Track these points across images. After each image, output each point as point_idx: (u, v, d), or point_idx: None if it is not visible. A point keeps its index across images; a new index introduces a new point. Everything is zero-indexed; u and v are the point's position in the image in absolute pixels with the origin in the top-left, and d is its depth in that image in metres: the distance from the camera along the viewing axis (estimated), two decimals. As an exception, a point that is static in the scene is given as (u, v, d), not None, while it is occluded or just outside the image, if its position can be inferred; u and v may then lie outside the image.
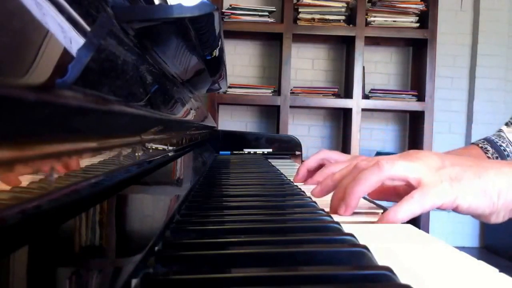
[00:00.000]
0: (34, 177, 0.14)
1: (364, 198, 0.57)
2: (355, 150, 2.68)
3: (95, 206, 0.22)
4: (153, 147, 0.36)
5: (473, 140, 1.17)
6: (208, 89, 1.24)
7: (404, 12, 2.72)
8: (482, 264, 0.31)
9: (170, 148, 0.45)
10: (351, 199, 0.47)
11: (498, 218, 0.46)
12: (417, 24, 2.72)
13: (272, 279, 0.25)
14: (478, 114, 2.96)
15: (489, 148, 0.90)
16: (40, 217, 0.16)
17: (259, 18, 2.69)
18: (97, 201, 0.22)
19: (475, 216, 0.47)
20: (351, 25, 2.71)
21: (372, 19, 2.70)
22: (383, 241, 0.37)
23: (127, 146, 0.27)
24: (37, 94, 0.15)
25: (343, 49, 2.99)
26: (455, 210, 0.46)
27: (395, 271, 0.26)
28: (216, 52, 0.71)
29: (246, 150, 1.43)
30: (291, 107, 2.71)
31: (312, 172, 0.75)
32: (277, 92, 2.76)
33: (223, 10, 2.69)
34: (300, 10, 2.69)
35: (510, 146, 0.90)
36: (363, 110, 2.74)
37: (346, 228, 0.37)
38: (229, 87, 2.66)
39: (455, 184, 0.45)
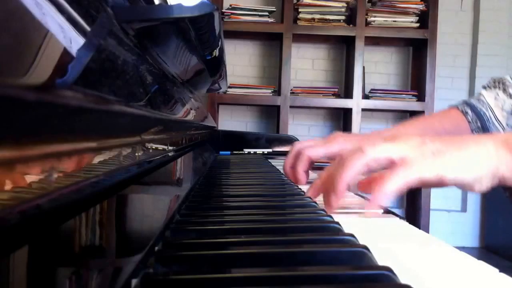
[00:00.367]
0: (34, 177, 0.14)
1: (362, 196, 0.57)
2: (355, 150, 2.68)
3: (95, 206, 0.22)
4: (153, 147, 0.36)
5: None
6: (208, 89, 1.24)
7: (404, 12, 2.72)
8: (482, 264, 0.31)
9: (170, 148, 0.45)
10: (339, 185, 0.48)
11: (481, 186, 0.48)
12: (417, 24, 2.72)
13: (272, 279, 0.25)
14: (478, 114, 2.96)
15: (469, 111, 0.91)
16: (40, 217, 0.16)
17: (259, 18, 2.69)
18: (97, 201, 0.22)
19: (460, 186, 0.48)
20: (351, 25, 2.71)
21: (372, 19, 2.70)
22: (383, 241, 0.37)
23: (127, 146, 0.27)
24: (37, 94, 0.15)
25: (343, 49, 2.99)
26: (441, 183, 0.47)
27: (395, 271, 0.26)
28: (216, 52, 0.71)
29: (246, 150, 1.43)
30: (291, 107, 2.71)
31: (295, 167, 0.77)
32: (277, 92, 2.76)
33: (223, 10, 2.68)
34: (300, 10, 2.69)
35: (489, 110, 0.90)
36: (363, 110, 2.74)
37: (345, 225, 0.37)
38: (229, 87, 2.66)
39: (438, 158, 0.46)
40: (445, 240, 0.37)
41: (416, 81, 2.89)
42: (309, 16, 2.69)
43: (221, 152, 1.41)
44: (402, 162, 0.47)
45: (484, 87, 0.97)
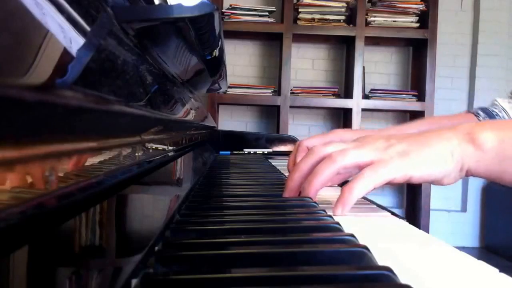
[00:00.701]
0: (34, 177, 0.14)
1: (364, 198, 0.57)
2: (355, 150, 2.68)
3: (95, 206, 0.22)
4: (153, 147, 0.36)
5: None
6: (208, 89, 1.24)
7: (404, 12, 2.72)
8: (482, 264, 0.31)
9: (170, 148, 0.45)
10: (310, 193, 0.51)
11: (449, 179, 0.50)
12: (417, 24, 2.72)
13: (272, 279, 0.25)
14: (478, 114, 2.96)
15: (480, 112, 0.93)
16: (40, 217, 0.16)
17: (259, 18, 2.69)
18: (97, 201, 0.22)
19: (428, 182, 0.50)
20: (351, 25, 2.71)
21: (372, 19, 2.70)
22: (383, 241, 0.37)
23: (127, 146, 0.27)
24: (37, 94, 0.15)
25: (343, 49, 2.99)
26: (409, 181, 0.49)
27: (395, 271, 0.26)
28: (216, 52, 0.71)
29: (246, 150, 1.43)
30: (291, 107, 2.71)
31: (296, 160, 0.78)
32: (277, 92, 2.76)
33: (223, 10, 2.68)
34: (300, 10, 2.69)
35: (503, 112, 0.92)
36: (363, 110, 2.74)
37: (345, 225, 0.37)
38: (229, 87, 2.66)
39: (405, 158, 0.48)
40: (445, 240, 0.37)
41: (416, 81, 2.89)
42: (309, 16, 2.69)
43: (221, 152, 1.41)
44: (369, 165, 0.49)
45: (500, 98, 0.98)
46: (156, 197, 0.38)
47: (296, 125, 2.98)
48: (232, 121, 2.99)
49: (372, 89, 2.83)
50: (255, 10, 2.70)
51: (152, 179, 0.37)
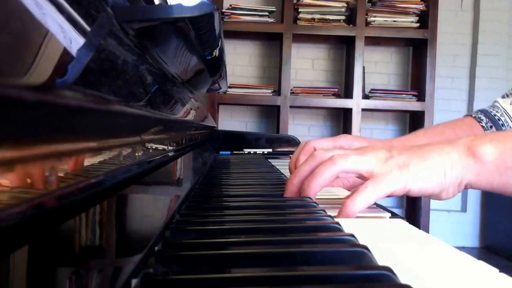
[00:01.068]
0: (34, 177, 0.14)
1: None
2: (355, 150, 2.68)
3: (95, 206, 0.22)
4: (153, 147, 0.36)
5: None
6: (208, 89, 1.24)
7: (404, 12, 2.72)
8: (482, 264, 0.31)
9: (170, 148, 0.45)
10: (308, 193, 0.52)
11: (448, 194, 0.50)
12: (417, 24, 2.72)
13: (272, 279, 0.25)
14: (478, 114, 2.96)
15: (482, 117, 0.91)
16: (40, 217, 0.16)
17: (259, 18, 2.69)
18: (97, 201, 0.22)
19: (426, 196, 0.51)
20: (351, 25, 2.71)
21: (372, 19, 2.70)
22: (383, 241, 0.37)
23: (127, 146, 0.27)
24: (37, 94, 0.15)
25: (343, 49, 2.99)
26: (408, 193, 0.49)
27: (395, 271, 0.26)
28: (216, 52, 0.71)
29: (246, 150, 1.43)
30: (291, 107, 2.71)
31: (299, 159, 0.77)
32: (277, 92, 2.76)
33: (223, 10, 2.69)
34: (300, 10, 2.69)
35: (505, 115, 0.90)
36: (363, 110, 2.74)
37: (345, 225, 0.37)
38: (229, 87, 2.66)
39: (404, 170, 0.49)
40: (445, 240, 0.37)
41: (416, 81, 2.89)
42: (309, 16, 2.70)
43: (221, 152, 1.41)
44: (369, 175, 0.50)
45: (503, 96, 0.96)
46: (156, 197, 0.38)
47: (296, 125, 2.98)
48: (232, 121, 2.99)
49: (372, 89, 2.83)
50: (255, 10, 2.71)
51: (152, 179, 0.37)
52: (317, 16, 2.70)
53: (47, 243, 0.17)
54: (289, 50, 2.70)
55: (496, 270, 0.29)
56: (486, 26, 2.97)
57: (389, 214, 0.50)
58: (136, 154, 0.29)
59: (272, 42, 2.94)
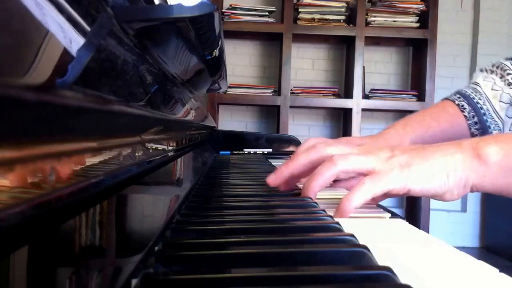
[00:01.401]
0: (34, 177, 0.14)
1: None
2: (355, 150, 2.68)
3: (95, 206, 0.22)
4: (153, 147, 0.36)
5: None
6: (208, 89, 1.24)
7: (404, 12, 2.72)
8: (482, 264, 0.31)
9: (170, 148, 0.45)
10: (308, 193, 0.52)
11: (452, 196, 0.50)
12: (417, 24, 2.72)
13: (272, 279, 0.25)
14: (478, 114, 2.96)
15: (466, 105, 0.87)
16: (40, 217, 0.16)
17: (259, 18, 2.69)
18: (97, 201, 0.22)
19: (429, 196, 0.50)
20: (351, 25, 2.71)
21: (372, 19, 2.70)
22: (383, 241, 0.37)
23: (127, 146, 0.27)
24: (37, 94, 0.15)
25: (343, 49, 2.99)
26: (409, 193, 0.49)
27: (395, 271, 0.26)
28: (216, 52, 0.71)
29: (246, 150, 1.43)
30: (291, 107, 2.71)
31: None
32: (277, 92, 2.76)
33: (223, 10, 2.68)
34: (300, 10, 2.69)
35: (487, 103, 0.87)
36: (363, 110, 2.74)
37: (345, 225, 0.37)
38: (229, 87, 2.66)
39: (405, 170, 0.48)
40: (445, 240, 0.37)
41: (416, 81, 2.89)
42: (309, 16, 2.69)
43: (221, 152, 1.41)
44: (369, 174, 0.49)
45: (481, 70, 0.92)
46: (156, 197, 0.38)
47: (296, 125, 2.98)
48: (232, 121, 2.99)
49: (372, 89, 2.83)
50: (255, 10, 2.71)
51: (152, 179, 0.37)
52: (317, 16, 2.70)
53: (47, 243, 0.17)
54: (289, 50, 2.70)
55: (496, 270, 0.29)
56: (486, 26, 2.97)
57: (389, 214, 0.50)
58: (136, 154, 0.29)
59: (272, 42, 2.94)
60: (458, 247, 0.35)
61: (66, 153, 0.17)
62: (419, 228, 0.42)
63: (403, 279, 0.25)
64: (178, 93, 0.60)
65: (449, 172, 0.48)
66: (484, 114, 0.86)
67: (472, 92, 0.89)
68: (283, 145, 1.47)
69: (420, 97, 2.76)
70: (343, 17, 2.72)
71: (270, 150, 1.44)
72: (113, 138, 0.24)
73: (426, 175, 0.48)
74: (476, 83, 0.91)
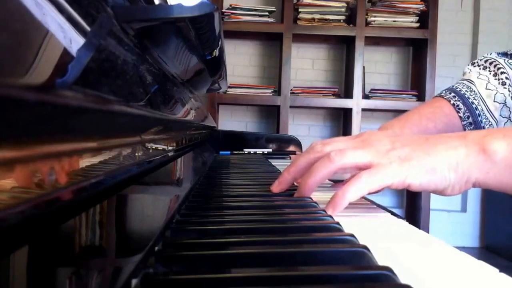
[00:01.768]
0: (34, 177, 0.14)
1: (364, 197, 0.57)
2: (355, 150, 2.68)
3: (95, 206, 0.22)
4: (153, 147, 0.36)
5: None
6: (208, 89, 1.24)
7: (404, 12, 2.72)
8: (482, 264, 0.31)
9: (170, 148, 0.45)
10: (304, 191, 0.51)
11: (453, 191, 0.48)
12: (417, 24, 2.72)
13: (272, 279, 0.25)
14: (478, 114, 2.96)
15: (461, 106, 0.86)
16: (40, 217, 0.16)
17: (259, 18, 2.69)
18: (97, 201, 0.22)
19: (429, 191, 0.48)
20: (351, 25, 2.71)
21: (372, 19, 2.70)
22: (383, 241, 0.37)
23: (127, 146, 0.27)
24: (37, 94, 0.15)
25: (343, 49, 2.99)
26: (408, 188, 0.47)
27: (395, 271, 0.26)
28: (216, 52, 0.71)
29: (246, 150, 1.43)
30: (291, 107, 2.71)
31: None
32: (277, 92, 2.76)
33: (223, 10, 2.69)
34: (300, 10, 2.69)
35: (482, 103, 0.86)
36: (363, 110, 2.74)
37: (345, 225, 0.37)
38: (229, 87, 2.66)
39: (405, 164, 0.47)
40: (445, 240, 0.37)
41: (416, 81, 2.89)
42: (309, 16, 2.69)
43: (221, 152, 1.41)
44: (368, 167, 0.48)
45: (473, 64, 0.91)
46: (156, 197, 0.38)
47: (296, 125, 2.98)
48: (232, 121, 2.99)
49: (372, 89, 2.83)
50: (255, 10, 2.71)
51: (152, 179, 0.37)
52: (317, 16, 2.70)
53: (47, 243, 0.17)
54: (289, 50, 2.70)
55: (496, 270, 0.29)
56: (486, 26, 2.97)
57: (389, 214, 0.50)
58: (136, 154, 0.29)
59: (272, 42, 2.94)
60: (458, 247, 0.35)
61: (66, 153, 0.17)
62: (419, 228, 0.42)
63: (403, 279, 0.25)
64: (178, 93, 0.60)
65: (451, 167, 0.47)
66: (479, 115, 0.86)
67: (467, 91, 0.88)
68: (283, 145, 1.47)
69: (420, 97, 2.76)
70: (343, 17, 2.72)
71: (270, 150, 1.44)
72: (113, 138, 0.24)
73: (427, 169, 0.46)
74: (471, 81, 0.90)
